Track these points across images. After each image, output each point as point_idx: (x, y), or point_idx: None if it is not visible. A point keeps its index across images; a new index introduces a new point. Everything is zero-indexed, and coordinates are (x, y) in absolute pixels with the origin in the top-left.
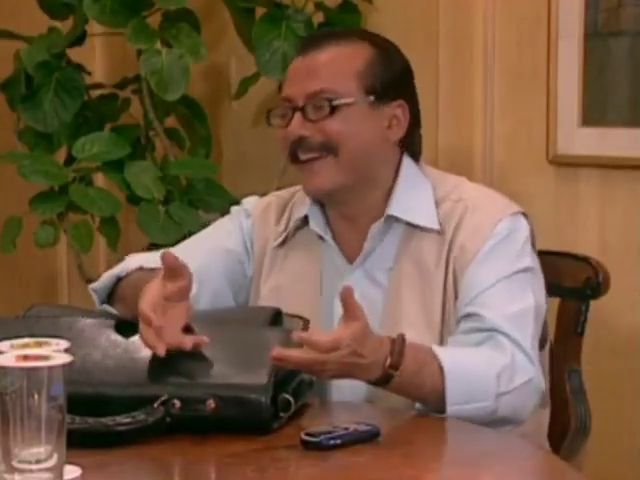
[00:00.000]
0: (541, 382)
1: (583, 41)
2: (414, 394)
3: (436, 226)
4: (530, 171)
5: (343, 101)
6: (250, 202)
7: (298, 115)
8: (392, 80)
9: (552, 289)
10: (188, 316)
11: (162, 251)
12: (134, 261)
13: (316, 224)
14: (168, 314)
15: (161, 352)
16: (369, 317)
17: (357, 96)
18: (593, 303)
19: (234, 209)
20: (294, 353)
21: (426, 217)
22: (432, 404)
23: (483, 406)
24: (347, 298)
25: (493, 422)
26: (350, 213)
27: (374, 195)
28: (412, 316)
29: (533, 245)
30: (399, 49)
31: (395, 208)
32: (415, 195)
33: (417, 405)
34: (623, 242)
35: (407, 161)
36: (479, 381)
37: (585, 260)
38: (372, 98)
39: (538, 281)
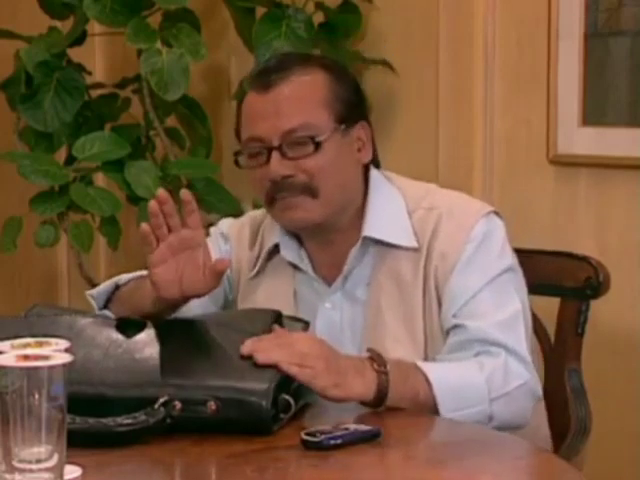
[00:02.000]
0: (537, 387)
1: (583, 41)
2: (412, 400)
3: (414, 244)
4: (530, 171)
5: (324, 136)
6: (226, 225)
7: (276, 154)
8: (353, 101)
9: (552, 289)
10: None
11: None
12: (132, 273)
13: (289, 253)
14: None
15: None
16: (350, 334)
17: (331, 127)
18: (593, 303)
19: (212, 232)
20: (260, 340)
21: (403, 236)
22: (429, 410)
23: (478, 411)
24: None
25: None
26: (325, 238)
27: (347, 216)
28: (394, 329)
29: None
30: (346, 67)
31: (370, 229)
32: (388, 211)
33: None
34: (623, 242)
35: (374, 175)
36: (468, 386)
37: (585, 260)
38: (343, 126)
39: (519, 280)
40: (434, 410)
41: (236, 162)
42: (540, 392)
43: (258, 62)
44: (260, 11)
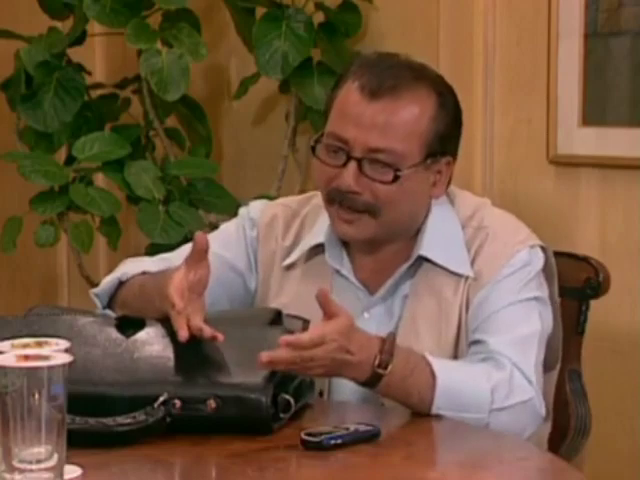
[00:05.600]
0: (540, 407)
1: (583, 41)
2: (403, 397)
3: (470, 273)
4: (530, 171)
5: (405, 170)
6: (256, 209)
7: (354, 166)
8: (449, 134)
9: None
10: (204, 312)
11: (196, 233)
12: (135, 265)
13: (332, 257)
14: (188, 308)
15: (183, 337)
16: None
17: (417, 160)
18: (593, 303)
19: (241, 213)
20: (281, 353)
21: (459, 263)
22: (421, 410)
23: (475, 418)
24: (324, 299)
25: None
26: (375, 249)
27: (404, 236)
28: (427, 342)
29: (552, 277)
30: (452, 89)
31: (427, 249)
32: (444, 232)
33: None
34: (623, 242)
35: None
36: (472, 391)
37: (585, 260)
38: (429, 160)
39: (546, 310)
40: (426, 410)
41: (312, 149)
42: (544, 412)
43: (258, 62)
44: (260, 11)
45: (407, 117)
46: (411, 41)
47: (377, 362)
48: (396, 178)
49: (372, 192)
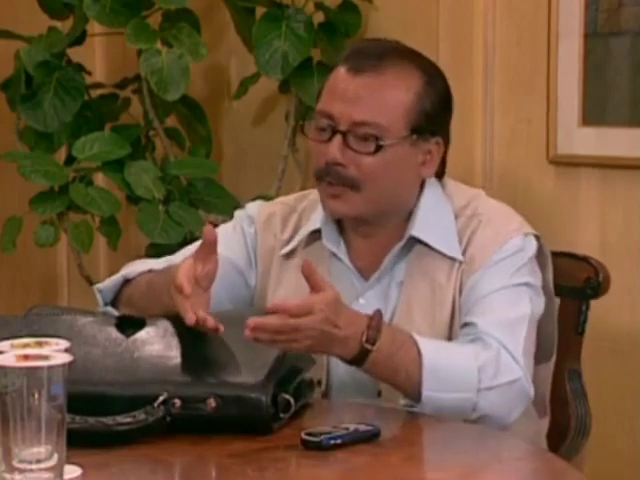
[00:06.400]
0: (528, 387)
1: (583, 41)
2: (390, 376)
3: (459, 257)
4: (530, 171)
5: (389, 142)
6: (254, 208)
7: (339, 139)
8: (435, 114)
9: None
10: (208, 308)
11: (205, 226)
12: (141, 265)
13: (329, 241)
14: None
15: (190, 320)
16: None
17: (402, 134)
18: (593, 303)
19: (237, 214)
20: (269, 319)
21: (450, 245)
22: (408, 389)
23: (462, 397)
24: (309, 272)
25: (474, 421)
26: (369, 232)
27: (396, 217)
28: (421, 329)
29: (545, 265)
30: (442, 73)
31: (418, 229)
32: (436, 216)
33: (402, 402)
34: (623, 242)
35: (430, 182)
36: (459, 371)
37: (585, 260)
38: (415, 137)
39: (537, 296)
40: (413, 389)
41: (302, 127)
42: (531, 392)
43: (258, 62)
44: (260, 11)
45: (391, 91)
46: (411, 41)
47: (364, 338)
48: (378, 148)
49: (356, 165)
